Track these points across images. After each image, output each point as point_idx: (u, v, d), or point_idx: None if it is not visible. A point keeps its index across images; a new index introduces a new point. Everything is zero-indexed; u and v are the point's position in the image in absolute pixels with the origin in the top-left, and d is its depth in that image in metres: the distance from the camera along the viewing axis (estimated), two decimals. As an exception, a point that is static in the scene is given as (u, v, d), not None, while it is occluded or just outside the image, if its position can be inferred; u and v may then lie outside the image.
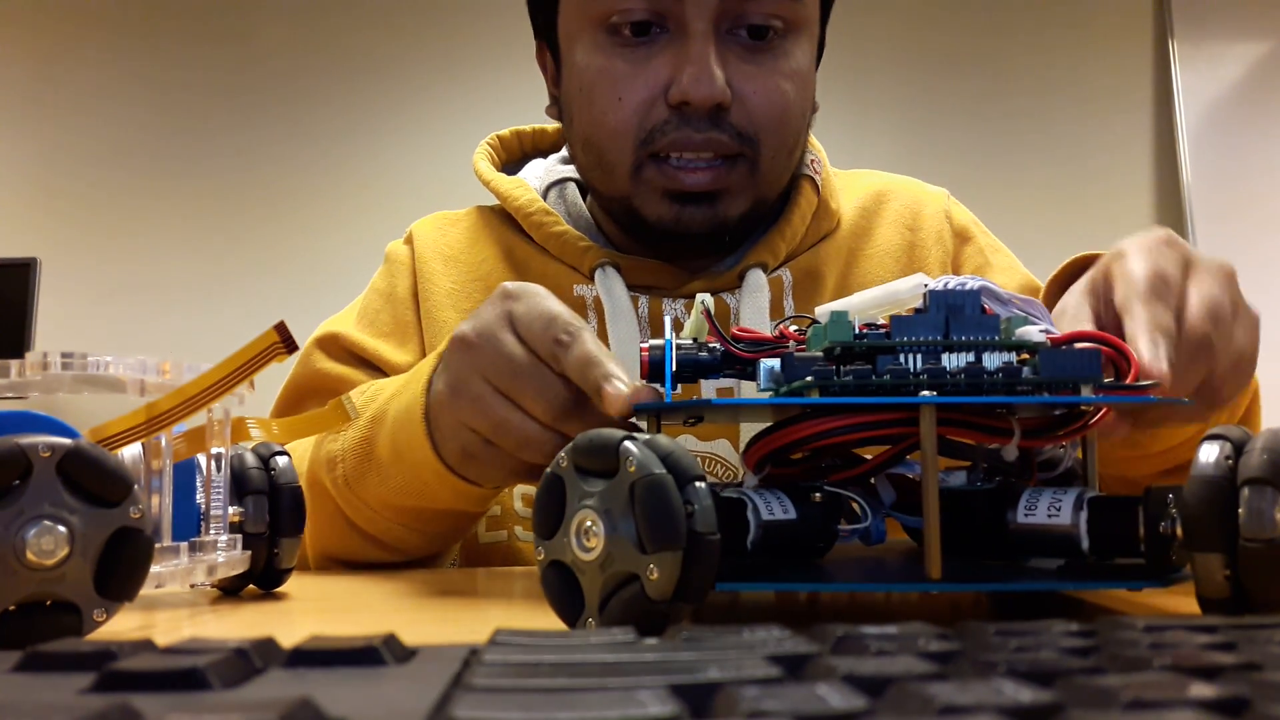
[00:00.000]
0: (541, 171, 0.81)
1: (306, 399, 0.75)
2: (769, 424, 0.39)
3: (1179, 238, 0.49)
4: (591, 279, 0.71)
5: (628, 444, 0.31)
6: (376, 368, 0.74)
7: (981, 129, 2.87)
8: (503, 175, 0.79)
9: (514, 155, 0.84)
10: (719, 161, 0.67)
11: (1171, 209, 2.87)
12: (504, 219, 0.79)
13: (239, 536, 0.46)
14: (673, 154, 0.66)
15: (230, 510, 0.46)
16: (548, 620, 0.33)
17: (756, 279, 0.71)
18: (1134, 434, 0.41)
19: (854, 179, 0.83)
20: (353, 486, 0.59)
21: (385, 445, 0.57)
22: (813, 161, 0.77)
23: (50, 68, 2.82)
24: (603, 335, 0.69)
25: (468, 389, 0.49)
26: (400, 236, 0.83)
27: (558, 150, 0.84)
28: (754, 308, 0.69)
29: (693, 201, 0.67)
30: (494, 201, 0.80)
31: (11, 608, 0.31)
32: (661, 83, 0.65)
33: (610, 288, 0.70)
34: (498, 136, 0.83)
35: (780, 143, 0.68)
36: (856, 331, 0.36)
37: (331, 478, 0.60)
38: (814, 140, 0.78)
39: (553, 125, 0.83)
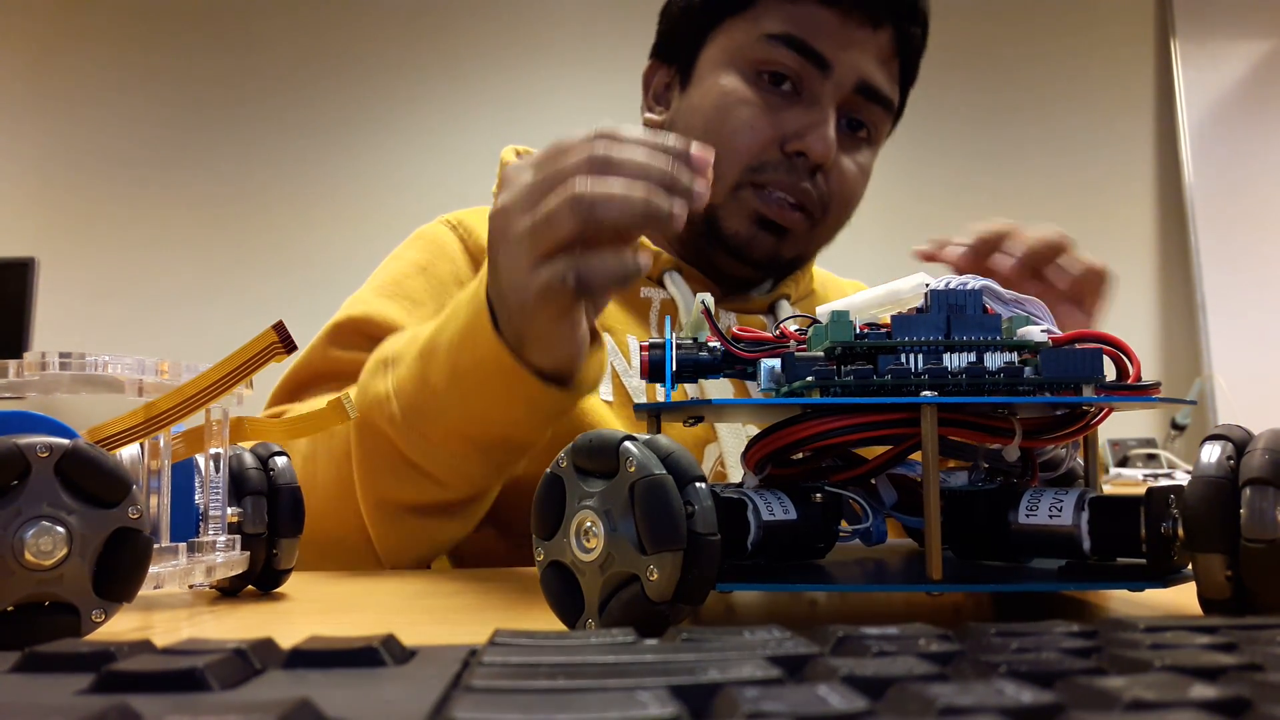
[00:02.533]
0: None
1: (319, 378, 0.75)
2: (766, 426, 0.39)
3: None
4: (659, 282, 0.81)
5: (627, 444, 0.31)
6: None
7: (982, 128, 2.87)
8: None
9: None
10: (801, 211, 0.78)
11: (1173, 207, 2.87)
12: None
13: (238, 537, 0.45)
14: (772, 189, 0.78)
15: (229, 511, 0.46)
16: (547, 621, 0.33)
17: (785, 308, 0.84)
18: None
19: (831, 278, 0.99)
20: (410, 422, 0.59)
21: (441, 374, 0.57)
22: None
23: (50, 67, 2.82)
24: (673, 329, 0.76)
25: (549, 214, 0.50)
26: (392, 231, 0.85)
27: None
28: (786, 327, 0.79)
29: (767, 229, 0.78)
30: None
31: (10, 608, 0.31)
32: (782, 133, 0.77)
33: (683, 290, 0.80)
34: (517, 149, 0.85)
35: (838, 216, 0.82)
36: (857, 331, 0.36)
37: (387, 415, 0.60)
38: None
39: None
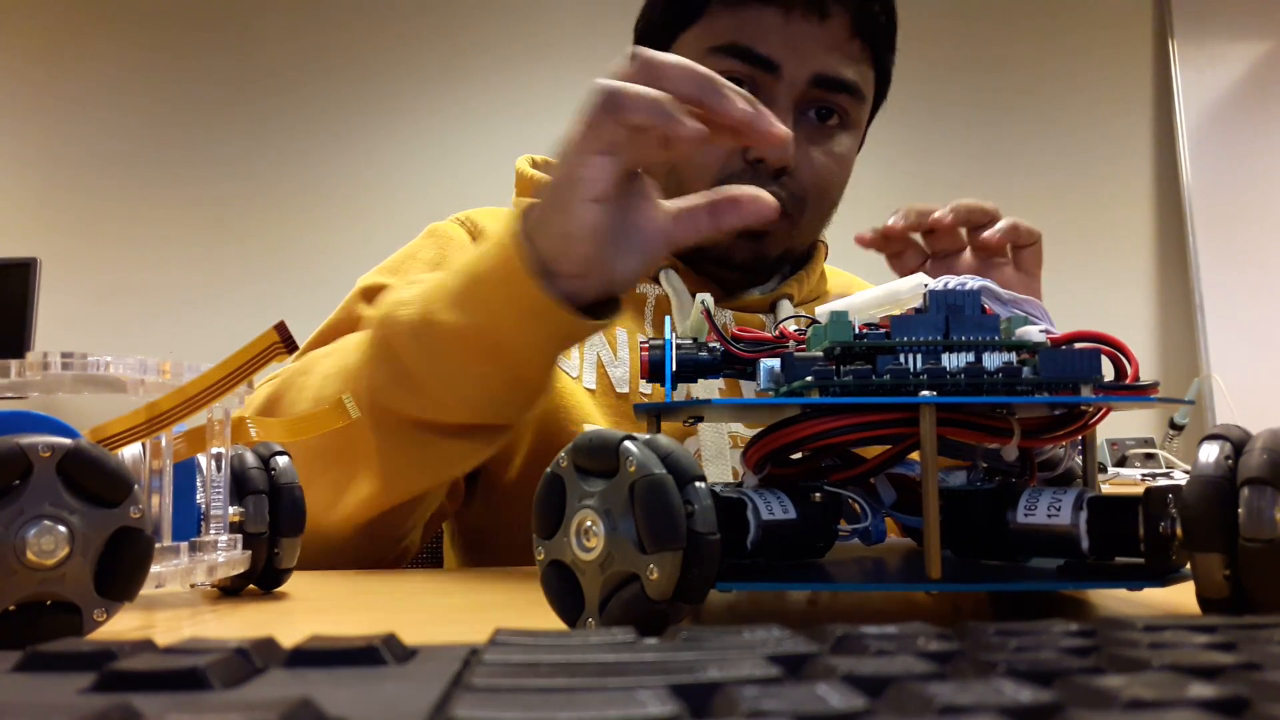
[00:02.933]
0: None
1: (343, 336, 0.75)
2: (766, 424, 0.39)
3: None
4: (654, 279, 0.82)
5: (627, 444, 0.31)
6: None
7: (981, 127, 2.87)
8: (541, 173, 0.85)
9: None
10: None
11: (1171, 207, 2.87)
12: None
13: (239, 536, 0.46)
14: None
15: (230, 510, 0.46)
16: (548, 620, 0.33)
17: (786, 307, 0.84)
18: None
19: (842, 275, 0.99)
20: (419, 326, 0.58)
21: (457, 277, 0.58)
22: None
23: (52, 69, 2.82)
24: (661, 328, 0.80)
25: (614, 118, 0.52)
26: (408, 241, 0.88)
27: None
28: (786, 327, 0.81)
29: (745, 236, 0.79)
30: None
31: (11, 608, 0.31)
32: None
33: (677, 287, 0.82)
34: (534, 158, 0.89)
35: (819, 209, 0.82)
36: (856, 331, 0.36)
37: (400, 320, 0.59)
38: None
39: None
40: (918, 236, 0.72)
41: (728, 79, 0.70)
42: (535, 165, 0.88)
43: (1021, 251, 0.72)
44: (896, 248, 0.73)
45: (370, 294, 0.79)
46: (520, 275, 0.55)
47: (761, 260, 0.82)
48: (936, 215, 0.70)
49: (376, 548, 0.67)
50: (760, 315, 0.84)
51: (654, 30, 0.83)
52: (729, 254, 0.81)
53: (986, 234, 0.70)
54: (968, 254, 0.72)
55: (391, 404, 0.60)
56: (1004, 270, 0.71)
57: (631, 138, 0.52)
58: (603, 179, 0.53)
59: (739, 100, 0.53)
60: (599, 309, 0.57)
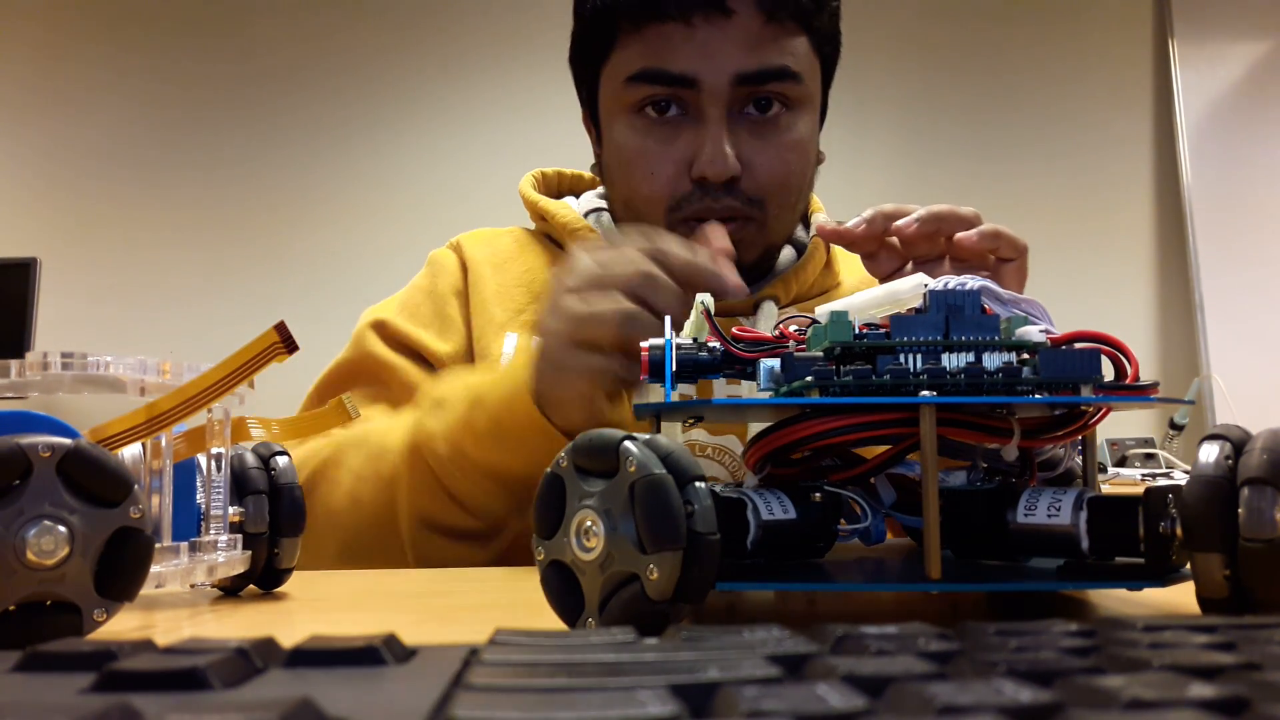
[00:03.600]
0: (580, 201, 0.90)
1: (355, 379, 0.83)
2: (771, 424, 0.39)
3: None
4: None
5: (628, 444, 0.31)
6: (418, 355, 0.83)
7: (981, 128, 2.87)
8: (548, 198, 0.89)
9: (552, 191, 0.93)
10: (733, 221, 0.77)
11: (1171, 208, 2.87)
12: (543, 240, 0.89)
13: (239, 536, 0.46)
14: (695, 220, 0.76)
15: (230, 510, 0.46)
16: (548, 620, 0.33)
17: (769, 309, 0.81)
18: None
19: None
20: (454, 460, 0.66)
21: (486, 426, 0.65)
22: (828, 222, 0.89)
23: (51, 67, 2.82)
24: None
25: (598, 314, 0.58)
26: (408, 241, 0.96)
27: (590, 190, 0.93)
28: (766, 331, 0.80)
29: None
30: (530, 225, 0.92)
31: (11, 608, 0.31)
32: (685, 160, 0.76)
33: None
34: (542, 172, 0.93)
35: (783, 203, 0.80)
36: (856, 331, 0.36)
37: (434, 451, 0.67)
38: (820, 205, 0.91)
39: (588, 174, 0.93)
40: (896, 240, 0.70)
41: (653, 104, 0.77)
42: (537, 185, 0.92)
43: (1004, 266, 0.68)
44: (867, 249, 0.71)
45: (381, 328, 0.84)
46: (541, 427, 0.62)
47: (740, 268, 0.80)
48: (900, 224, 0.68)
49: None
50: (740, 319, 0.82)
51: (579, 68, 0.84)
52: None
53: (960, 235, 0.67)
54: (947, 263, 0.69)
55: (428, 513, 0.69)
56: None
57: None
58: (595, 372, 0.59)
59: (729, 280, 0.60)
60: None
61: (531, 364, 0.63)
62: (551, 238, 0.88)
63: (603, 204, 0.90)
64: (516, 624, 0.24)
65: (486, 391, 0.66)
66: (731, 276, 0.60)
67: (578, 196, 0.92)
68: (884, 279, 0.70)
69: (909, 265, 0.70)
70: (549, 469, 0.34)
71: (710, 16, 0.73)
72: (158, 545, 0.39)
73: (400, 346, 0.83)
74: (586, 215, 0.88)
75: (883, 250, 0.70)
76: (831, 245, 0.88)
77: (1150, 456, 2.43)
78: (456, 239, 0.92)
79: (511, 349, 0.79)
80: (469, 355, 0.83)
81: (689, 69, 0.74)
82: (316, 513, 0.71)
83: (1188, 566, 0.32)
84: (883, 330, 0.36)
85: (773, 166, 0.77)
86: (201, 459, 0.45)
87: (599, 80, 0.82)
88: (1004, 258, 0.68)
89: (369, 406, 0.80)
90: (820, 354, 0.36)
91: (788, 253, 0.88)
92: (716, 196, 0.76)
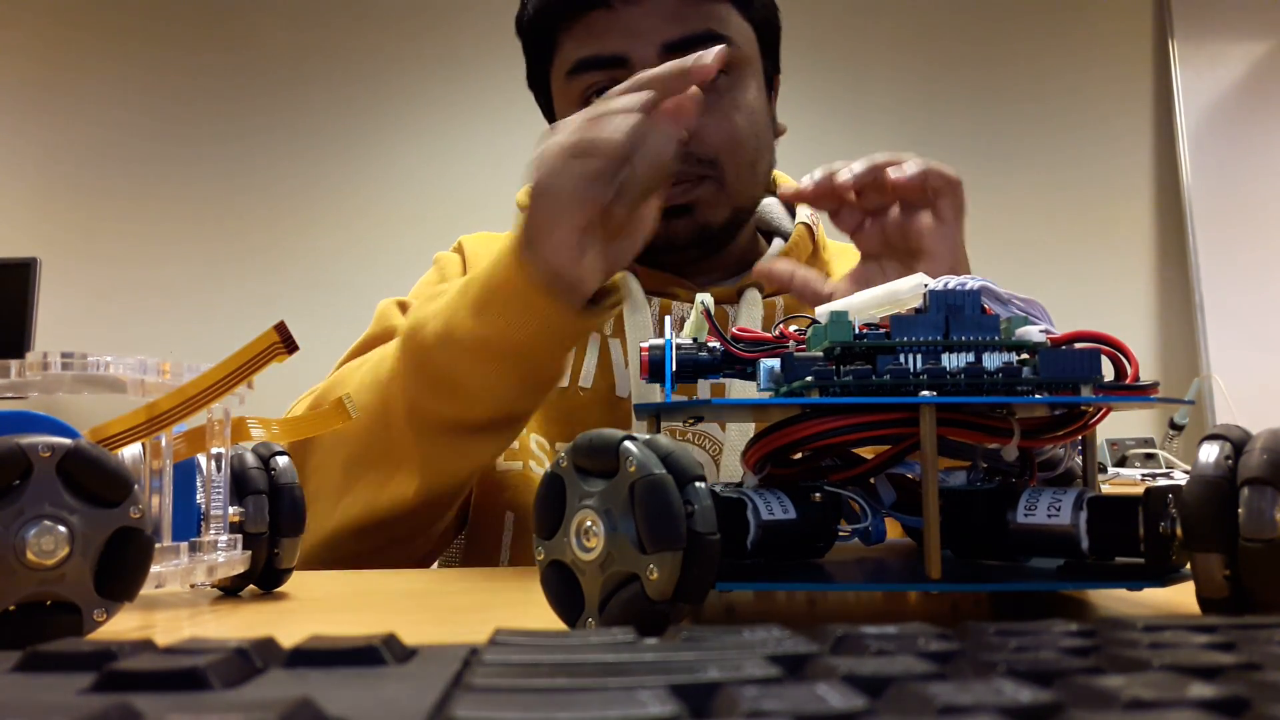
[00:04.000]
0: None
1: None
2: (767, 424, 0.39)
3: None
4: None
5: (628, 444, 0.31)
6: None
7: (981, 128, 2.87)
8: None
9: None
10: (684, 183, 0.79)
11: (1171, 208, 2.87)
12: None
13: (239, 536, 0.46)
14: None
15: (230, 510, 0.46)
16: (548, 620, 0.33)
17: (753, 296, 0.83)
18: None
19: (853, 251, 0.98)
20: (446, 338, 0.65)
21: (473, 294, 0.65)
22: (813, 215, 0.89)
23: (51, 68, 2.82)
24: (620, 325, 0.82)
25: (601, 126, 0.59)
26: (408, 241, 0.97)
27: None
28: (749, 319, 0.82)
29: (674, 215, 0.78)
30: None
31: (11, 608, 0.31)
32: None
33: (630, 287, 0.82)
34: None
35: (739, 160, 0.81)
36: (856, 331, 0.36)
37: (428, 333, 0.66)
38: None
39: None
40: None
41: (596, 93, 0.78)
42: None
43: (940, 200, 0.70)
44: (825, 206, 0.73)
45: (405, 306, 0.85)
46: (524, 290, 0.62)
47: (705, 231, 0.82)
48: (839, 180, 0.70)
49: (405, 546, 0.73)
50: (724, 307, 0.83)
51: (536, 89, 0.88)
52: (670, 238, 0.80)
53: (892, 173, 0.69)
54: (895, 209, 0.71)
55: (428, 408, 0.67)
56: (920, 218, 0.69)
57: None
58: (580, 221, 0.60)
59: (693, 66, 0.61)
60: (598, 300, 0.64)
61: (525, 196, 0.63)
62: None
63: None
64: (516, 624, 0.24)
65: (478, 271, 0.67)
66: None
67: None
68: (852, 234, 0.73)
69: (867, 221, 0.72)
70: (549, 469, 0.34)
71: None
72: (158, 545, 0.39)
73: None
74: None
75: (844, 207, 0.72)
76: (820, 237, 0.89)
77: (1150, 456, 2.43)
78: (459, 240, 0.94)
79: None
80: None
81: (618, 49, 0.77)
82: (323, 438, 0.72)
83: (1188, 567, 0.32)
84: (883, 330, 0.36)
85: (720, 127, 0.79)
86: (201, 459, 0.45)
87: (547, 90, 0.85)
88: (936, 189, 0.70)
89: None
90: (820, 354, 0.36)
91: (775, 246, 0.89)
92: None
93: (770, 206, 0.92)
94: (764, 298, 0.83)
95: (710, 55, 0.60)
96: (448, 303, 0.67)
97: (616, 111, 0.59)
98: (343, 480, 0.71)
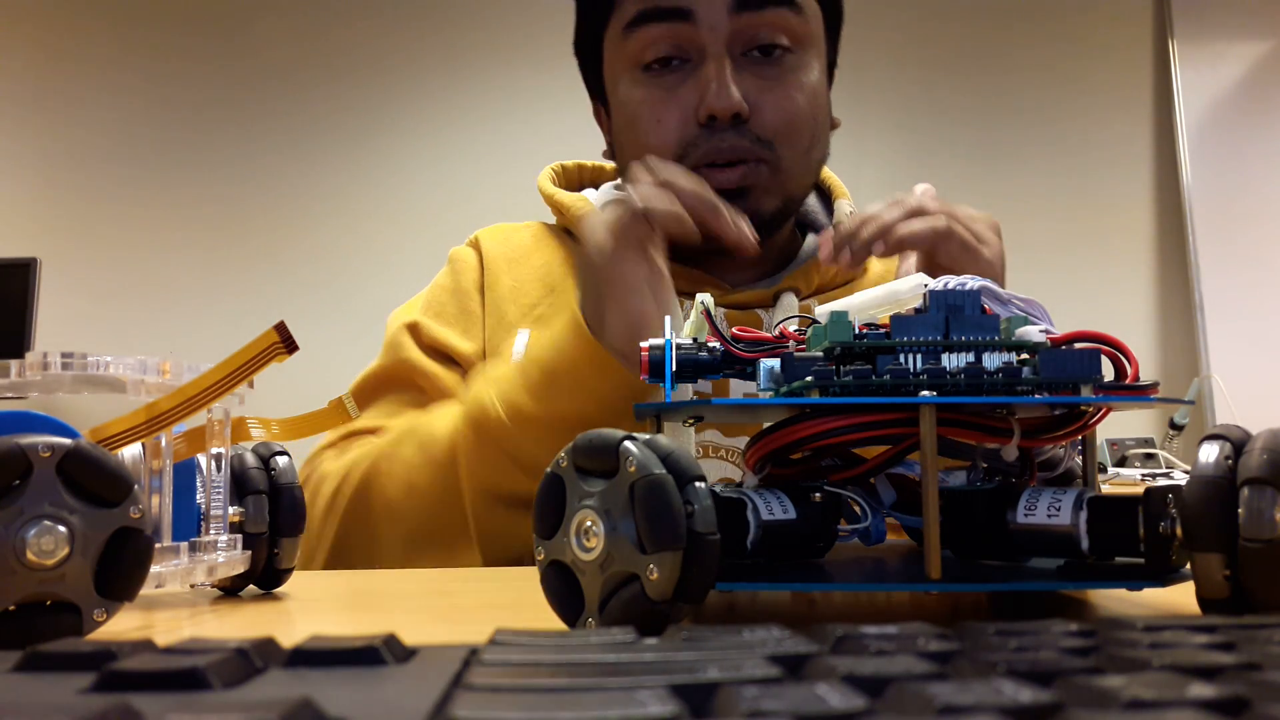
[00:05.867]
0: (597, 194, 0.89)
1: (391, 385, 0.82)
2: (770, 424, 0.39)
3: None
4: None
5: (628, 444, 0.31)
6: (446, 357, 0.82)
7: (981, 128, 2.87)
8: (565, 191, 0.88)
9: (573, 183, 0.93)
10: (743, 164, 0.76)
11: (1171, 208, 2.87)
12: (562, 234, 0.88)
13: (239, 536, 0.45)
14: (705, 165, 0.75)
15: (230, 510, 0.46)
16: (548, 620, 0.33)
17: (789, 300, 0.79)
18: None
19: None
20: (511, 419, 0.67)
21: (538, 374, 0.66)
22: (851, 212, 0.85)
23: (51, 68, 2.82)
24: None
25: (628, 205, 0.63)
26: (408, 241, 0.95)
27: (610, 182, 0.93)
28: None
29: (726, 199, 0.73)
30: (553, 220, 0.91)
31: (11, 608, 0.31)
32: (692, 104, 0.75)
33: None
34: (561, 165, 0.92)
35: (796, 145, 0.77)
36: (856, 331, 0.36)
37: (492, 417, 0.68)
38: (844, 190, 0.89)
39: (609, 164, 0.93)
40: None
41: (659, 60, 0.77)
42: (557, 178, 0.90)
43: (940, 248, 0.65)
44: (857, 270, 0.75)
45: (414, 331, 0.83)
46: (598, 358, 0.64)
47: (755, 219, 0.77)
48: (874, 252, 0.65)
49: None
50: (759, 311, 0.80)
51: (581, 47, 0.85)
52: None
53: (878, 253, 0.65)
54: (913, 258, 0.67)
55: (490, 483, 0.68)
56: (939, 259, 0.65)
57: (653, 234, 0.63)
58: (641, 268, 0.63)
59: (728, 218, 0.64)
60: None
61: (579, 284, 0.65)
62: (569, 231, 0.87)
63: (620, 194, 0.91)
64: (516, 624, 0.24)
65: (535, 351, 0.68)
66: (732, 217, 0.64)
67: (598, 189, 0.92)
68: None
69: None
70: (548, 469, 0.34)
71: None
72: (158, 545, 0.39)
73: (433, 351, 0.83)
74: (604, 208, 0.87)
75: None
76: None
77: (1150, 456, 2.43)
78: (475, 235, 0.91)
79: (522, 346, 0.77)
80: (484, 354, 0.82)
81: (684, 2, 0.74)
82: (376, 509, 0.72)
83: (1188, 567, 0.32)
84: (883, 330, 0.36)
85: (780, 105, 0.76)
86: (201, 459, 0.45)
87: (600, 47, 0.82)
88: (932, 242, 0.65)
89: (407, 412, 0.80)
90: (820, 354, 0.36)
91: (811, 241, 0.86)
92: (724, 136, 0.75)
93: (808, 199, 0.89)
94: (800, 300, 0.80)
95: (749, 237, 0.65)
96: (511, 384, 0.67)
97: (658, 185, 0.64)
98: (403, 557, 0.71)
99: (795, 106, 0.76)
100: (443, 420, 0.72)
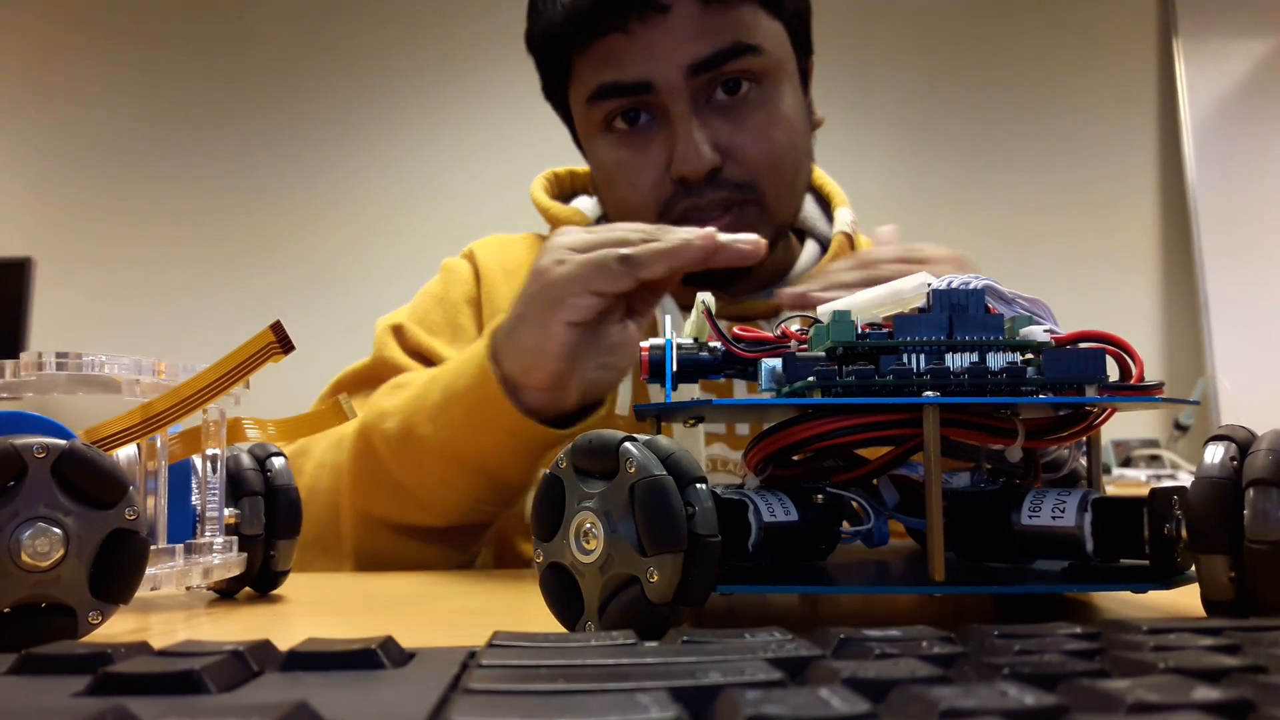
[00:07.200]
0: (591, 205, 0.89)
1: (369, 382, 0.80)
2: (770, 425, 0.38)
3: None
4: None
5: (628, 445, 0.31)
6: (429, 363, 0.81)
7: (984, 127, 2.87)
8: (559, 203, 0.87)
9: (565, 191, 0.92)
10: (726, 212, 0.75)
11: (1176, 207, 2.87)
12: None
13: (235, 538, 0.45)
14: (688, 217, 0.74)
15: (226, 512, 0.46)
16: (547, 623, 0.33)
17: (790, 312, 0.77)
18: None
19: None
20: (402, 439, 0.64)
21: (436, 397, 0.63)
22: (852, 222, 0.85)
23: (46, 66, 2.82)
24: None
25: (602, 255, 0.58)
26: (405, 240, 0.93)
27: None
28: None
29: None
30: (546, 229, 0.89)
31: (6, 610, 0.31)
32: (662, 163, 0.75)
33: (664, 301, 0.78)
34: (554, 172, 0.91)
35: (779, 180, 0.77)
36: (859, 331, 0.36)
37: (383, 431, 0.65)
38: (844, 197, 0.88)
39: None
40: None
41: (621, 116, 0.76)
42: (549, 187, 0.90)
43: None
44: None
45: (399, 333, 0.83)
46: (493, 395, 0.60)
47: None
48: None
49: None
50: (762, 322, 0.80)
51: (554, 102, 0.85)
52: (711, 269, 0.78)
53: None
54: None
55: (373, 508, 0.67)
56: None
57: (626, 286, 0.58)
58: (587, 309, 0.58)
59: (729, 248, 0.60)
60: (576, 415, 0.62)
61: (505, 317, 0.61)
62: None
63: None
64: (515, 627, 0.23)
65: (444, 367, 0.65)
66: (730, 243, 0.60)
67: (591, 195, 0.91)
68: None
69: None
70: (548, 470, 0.33)
71: (647, 18, 0.72)
72: (153, 547, 0.39)
73: (415, 354, 0.82)
74: (598, 220, 0.86)
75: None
76: (860, 243, 0.85)
77: (1155, 457, 2.43)
78: (470, 247, 0.91)
79: None
80: None
81: (640, 74, 0.73)
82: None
83: (1192, 569, 0.32)
84: (886, 330, 0.35)
85: (756, 146, 0.75)
86: (197, 460, 0.45)
87: (566, 109, 0.82)
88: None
89: None
90: (822, 354, 0.36)
91: (810, 250, 0.85)
92: (700, 192, 0.74)
93: (804, 206, 0.88)
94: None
95: (757, 245, 0.61)
96: (410, 399, 0.65)
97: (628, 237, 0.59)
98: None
99: (772, 144, 0.76)
100: (356, 421, 0.69)
